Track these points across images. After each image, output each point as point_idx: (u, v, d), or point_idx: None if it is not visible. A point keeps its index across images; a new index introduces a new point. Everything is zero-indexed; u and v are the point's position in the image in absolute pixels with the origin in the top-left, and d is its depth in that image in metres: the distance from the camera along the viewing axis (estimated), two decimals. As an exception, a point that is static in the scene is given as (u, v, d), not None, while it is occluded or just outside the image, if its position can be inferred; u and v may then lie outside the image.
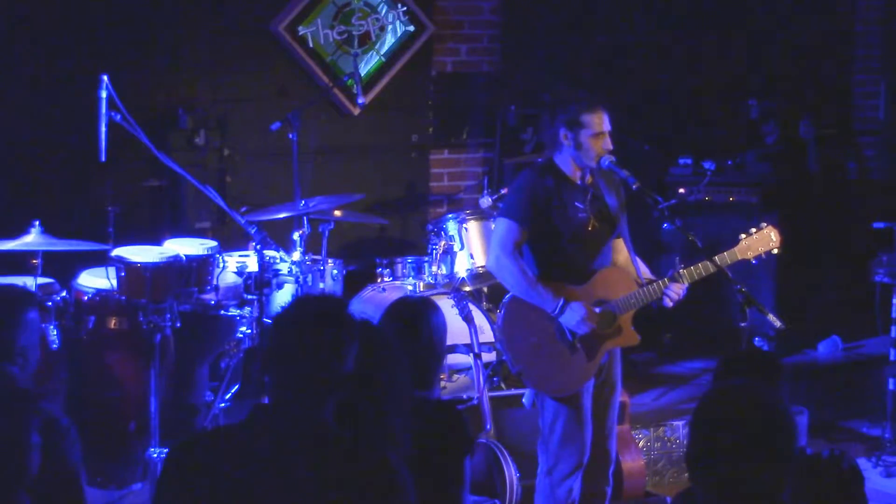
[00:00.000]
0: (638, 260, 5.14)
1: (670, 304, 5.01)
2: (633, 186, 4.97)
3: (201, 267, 5.79)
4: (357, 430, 3.17)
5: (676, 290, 4.98)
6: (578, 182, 5.08)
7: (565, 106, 5.01)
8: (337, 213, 6.76)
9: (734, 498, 2.80)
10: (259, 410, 3.07)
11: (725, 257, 5.02)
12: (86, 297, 5.64)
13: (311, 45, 7.71)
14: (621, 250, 5.17)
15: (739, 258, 5.06)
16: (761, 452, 2.79)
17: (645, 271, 5.13)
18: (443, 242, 6.76)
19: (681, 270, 5.00)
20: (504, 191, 6.98)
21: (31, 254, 5.27)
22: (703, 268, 5.00)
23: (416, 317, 4.14)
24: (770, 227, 5.14)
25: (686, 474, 6.61)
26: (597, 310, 4.96)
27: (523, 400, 5.26)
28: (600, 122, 4.98)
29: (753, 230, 5.12)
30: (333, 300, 3.21)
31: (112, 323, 5.61)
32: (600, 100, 5.03)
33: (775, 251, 5.14)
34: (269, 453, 2.97)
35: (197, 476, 2.99)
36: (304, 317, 3.10)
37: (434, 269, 6.78)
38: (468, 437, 4.10)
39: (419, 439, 3.85)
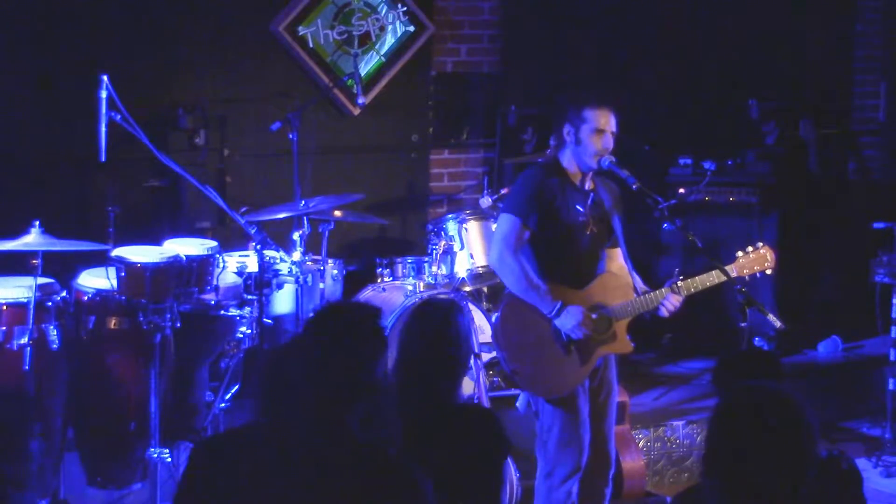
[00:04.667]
0: (633, 271, 5.15)
1: (666, 314, 5.01)
2: (633, 187, 4.98)
3: (201, 267, 5.78)
4: (377, 436, 3.16)
5: (674, 302, 4.98)
6: (580, 185, 5.08)
7: (572, 101, 5.03)
8: (337, 213, 6.76)
9: (750, 498, 2.80)
10: (281, 413, 3.05)
11: (723, 273, 5.01)
12: (86, 297, 5.63)
13: (311, 45, 7.71)
14: (614, 259, 5.17)
15: (735, 276, 5.07)
16: (782, 454, 2.79)
17: (638, 282, 5.14)
18: (443, 242, 6.76)
19: (679, 283, 5.01)
20: (504, 191, 6.98)
21: (31, 254, 5.26)
22: (699, 281, 5.01)
23: (444, 319, 4.11)
24: (766, 248, 5.17)
25: (686, 474, 6.66)
26: (594, 315, 4.96)
27: (517, 404, 5.26)
28: (604, 120, 4.97)
29: (750, 248, 5.16)
30: (366, 309, 3.19)
31: (112, 323, 5.60)
32: (608, 99, 5.02)
33: (769, 271, 5.17)
34: (290, 456, 2.96)
35: (217, 477, 2.99)
36: (333, 323, 3.09)
37: (434, 269, 6.78)
38: (506, 441, 4.06)
39: (455, 444, 3.84)
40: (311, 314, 3.18)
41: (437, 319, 4.10)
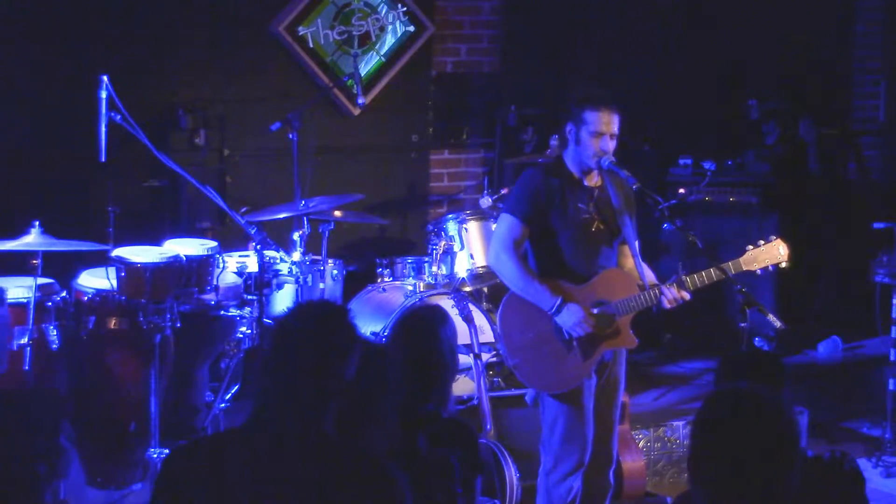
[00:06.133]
0: (643, 265, 5.13)
1: (668, 305, 5.00)
2: (633, 186, 4.97)
3: (201, 267, 5.79)
4: (354, 436, 3.16)
5: (674, 294, 4.96)
6: (584, 182, 5.08)
7: (576, 101, 5.02)
8: (337, 213, 6.75)
9: (737, 500, 2.80)
10: (257, 415, 3.07)
11: (730, 267, 4.98)
12: (86, 297, 5.64)
13: (311, 45, 7.71)
14: (629, 255, 5.16)
15: (744, 269, 5.01)
16: (764, 457, 2.79)
17: (650, 276, 5.11)
18: (443, 242, 6.76)
19: (684, 277, 4.98)
20: (504, 191, 6.98)
21: (31, 254, 5.27)
22: (706, 276, 4.98)
23: (428, 333, 4.13)
24: (778, 241, 5.07)
25: (686, 475, 6.66)
26: (595, 311, 4.96)
27: (526, 398, 5.27)
28: (604, 122, 4.96)
29: (761, 242, 5.05)
30: (335, 307, 3.20)
31: (112, 323, 5.61)
32: (610, 101, 5.00)
33: (783, 265, 5.07)
34: (266, 459, 2.96)
35: (194, 480, 2.99)
36: (304, 323, 3.10)
37: (434, 269, 6.78)
38: (480, 460, 4.08)
39: (432, 456, 3.85)
40: (281, 314, 3.17)
41: (422, 332, 4.13)
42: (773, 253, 5.05)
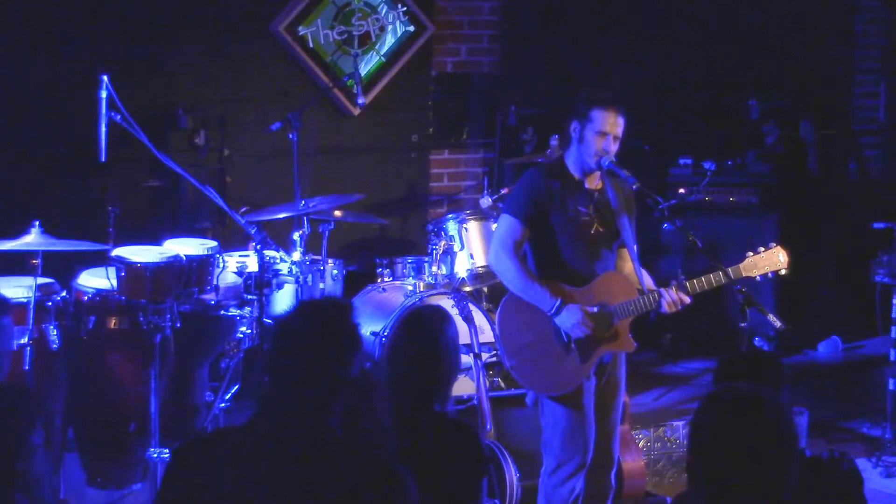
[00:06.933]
0: (642, 269, 5.13)
1: (668, 308, 4.99)
2: (633, 186, 4.98)
3: (201, 267, 5.78)
4: (358, 434, 3.16)
5: (675, 298, 4.96)
6: (585, 184, 5.08)
7: (584, 99, 5.03)
8: (337, 213, 6.76)
9: (733, 502, 2.80)
10: (261, 413, 3.07)
11: (729, 273, 4.99)
12: (86, 297, 5.63)
13: (311, 45, 7.72)
14: (628, 259, 5.16)
15: (744, 275, 5.03)
16: (761, 457, 2.79)
17: (648, 281, 5.11)
18: (443, 242, 6.75)
19: (684, 281, 4.98)
20: (504, 191, 6.98)
21: (31, 254, 5.26)
22: (706, 280, 4.98)
23: (432, 333, 4.13)
24: (778, 248, 5.09)
25: (686, 475, 6.66)
26: (593, 309, 4.95)
27: (526, 398, 5.27)
28: (610, 123, 4.96)
29: (761, 249, 5.08)
30: (337, 304, 3.20)
31: (112, 323, 5.61)
32: (618, 103, 5.01)
33: (783, 272, 5.10)
34: (270, 456, 2.96)
35: (199, 477, 2.99)
36: (306, 320, 3.10)
37: (434, 269, 6.77)
38: (483, 458, 4.08)
39: (434, 456, 3.85)
40: (284, 312, 3.17)
41: (425, 331, 4.12)
42: (772, 260, 5.07)
